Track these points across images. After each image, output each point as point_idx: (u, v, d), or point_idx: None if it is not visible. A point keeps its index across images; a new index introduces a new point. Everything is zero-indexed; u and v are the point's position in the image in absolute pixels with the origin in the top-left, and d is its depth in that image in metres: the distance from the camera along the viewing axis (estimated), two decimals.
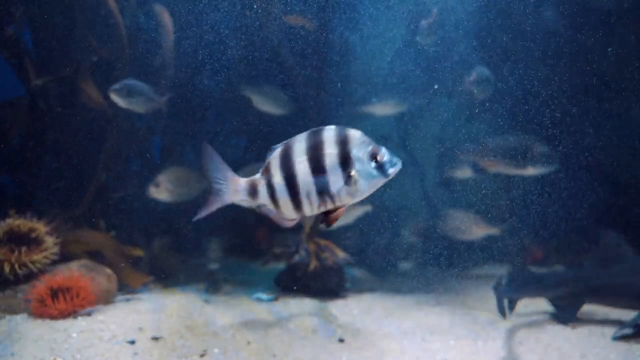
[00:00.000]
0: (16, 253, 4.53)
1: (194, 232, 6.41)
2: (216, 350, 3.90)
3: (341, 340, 4.22)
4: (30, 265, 4.53)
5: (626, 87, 5.90)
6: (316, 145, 1.77)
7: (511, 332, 4.44)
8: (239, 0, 5.62)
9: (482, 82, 5.49)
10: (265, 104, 5.71)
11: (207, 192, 1.91)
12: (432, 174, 7.03)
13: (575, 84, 5.67)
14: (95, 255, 5.12)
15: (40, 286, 4.39)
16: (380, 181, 1.77)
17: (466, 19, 6.11)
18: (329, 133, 1.77)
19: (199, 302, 5.10)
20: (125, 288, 5.19)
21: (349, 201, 1.80)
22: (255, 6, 5.56)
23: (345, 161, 1.76)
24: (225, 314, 4.79)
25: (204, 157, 1.87)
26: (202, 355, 3.79)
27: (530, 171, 4.98)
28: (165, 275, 5.73)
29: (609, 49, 5.80)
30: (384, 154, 1.76)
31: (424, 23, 5.69)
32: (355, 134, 1.78)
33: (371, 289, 5.81)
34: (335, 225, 1.90)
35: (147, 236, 5.95)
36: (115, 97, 4.93)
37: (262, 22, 5.66)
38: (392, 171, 1.77)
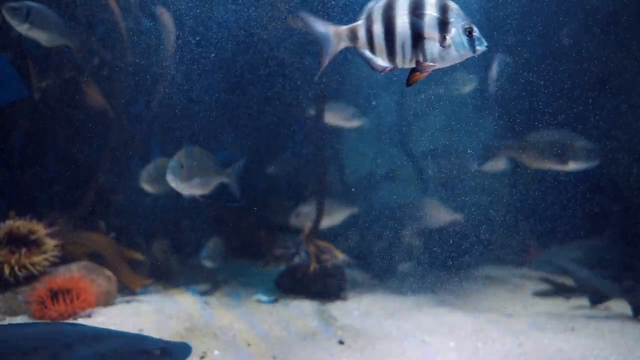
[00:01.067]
0: (16, 255, 4.53)
1: (194, 233, 6.40)
2: (216, 352, 3.90)
3: (341, 342, 4.22)
4: (30, 267, 4.52)
5: (625, 88, 5.91)
6: (419, 4, 1.90)
7: (511, 334, 4.43)
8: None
9: (504, 70, 5.52)
10: (335, 118, 5.82)
11: (320, 49, 2.06)
12: (433, 172, 7.03)
13: (574, 85, 5.67)
14: (96, 257, 5.11)
15: (40, 288, 4.38)
16: (467, 54, 1.88)
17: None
18: None
19: (199, 303, 5.10)
20: (125, 290, 5.19)
21: (438, 64, 1.91)
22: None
23: (443, 25, 1.88)
24: (225, 316, 4.79)
25: (306, 25, 2.05)
26: (202, 357, 3.78)
27: (572, 166, 4.92)
28: (165, 277, 5.73)
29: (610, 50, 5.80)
30: (477, 31, 1.89)
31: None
32: (455, 5, 1.92)
33: (371, 291, 5.81)
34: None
35: (147, 238, 5.94)
36: (10, 19, 4.21)
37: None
38: (479, 49, 1.89)
